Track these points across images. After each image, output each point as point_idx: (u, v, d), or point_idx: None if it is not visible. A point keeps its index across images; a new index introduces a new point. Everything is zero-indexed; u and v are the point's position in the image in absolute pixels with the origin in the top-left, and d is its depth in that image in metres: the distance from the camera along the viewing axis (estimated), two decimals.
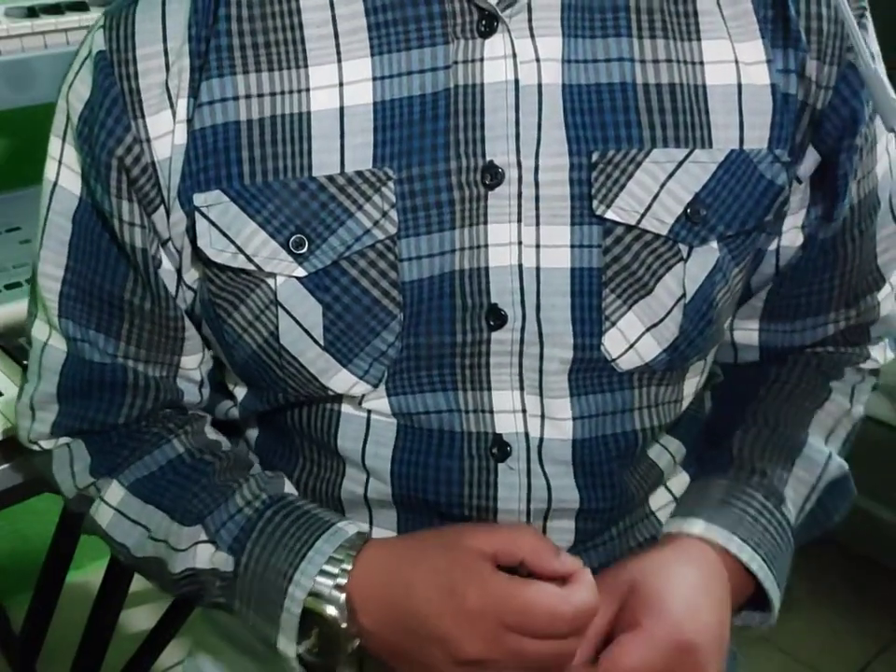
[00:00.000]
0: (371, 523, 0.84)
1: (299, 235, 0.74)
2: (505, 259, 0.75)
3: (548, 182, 0.74)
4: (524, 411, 0.79)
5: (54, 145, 0.80)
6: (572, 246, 0.75)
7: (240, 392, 0.86)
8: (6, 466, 1.06)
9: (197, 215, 0.74)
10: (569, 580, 0.72)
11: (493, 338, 0.77)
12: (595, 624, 0.74)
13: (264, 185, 0.74)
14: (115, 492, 0.85)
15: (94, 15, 1.31)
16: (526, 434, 0.79)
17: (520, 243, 0.75)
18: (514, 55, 0.73)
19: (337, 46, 0.74)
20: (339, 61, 0.74)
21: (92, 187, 0.77)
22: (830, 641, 1.95)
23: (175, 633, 1.50)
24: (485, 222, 0.75)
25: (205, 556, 0.81)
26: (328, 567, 0.75)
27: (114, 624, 1.56)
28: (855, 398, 0.93)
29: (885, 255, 0.89)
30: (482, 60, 0.73)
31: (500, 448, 0.79)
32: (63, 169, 0.80)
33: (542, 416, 0.79)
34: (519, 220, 0.74)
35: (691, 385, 0.84)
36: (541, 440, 0.79)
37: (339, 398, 0.80)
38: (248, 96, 0.74)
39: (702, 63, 0.76)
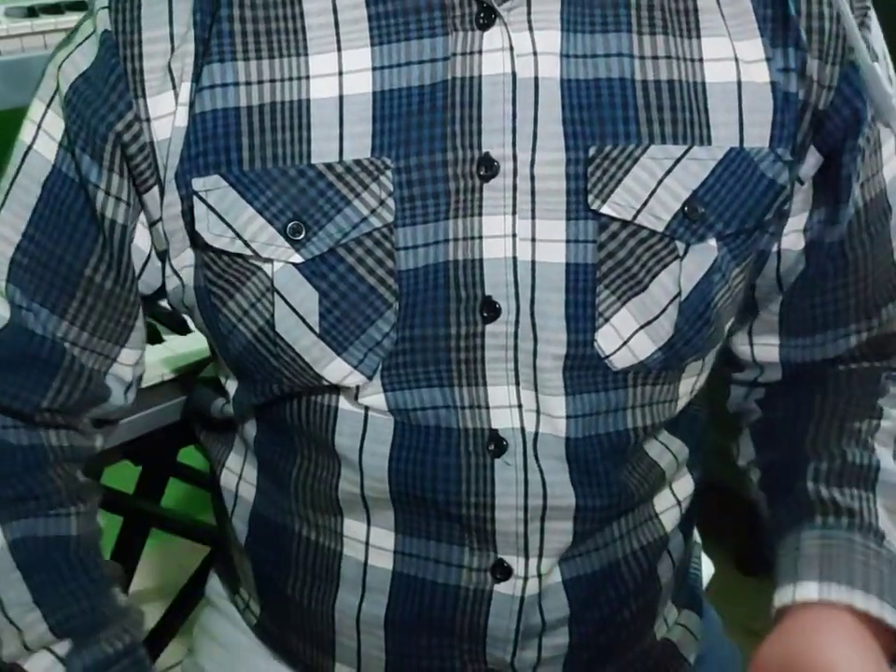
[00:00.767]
0: (368, 522, 0.84)
1: (296, 222, 0.74)
2: (500, 252, 0.75)
3: (544, 176, 0.74)
4: (519, 406, 0.78)
5: (36, 108, 0.80)
6: (567, 241, 0.75)
7: (232, 386, 0.86)
8: None
9: (195, 199, 0.75)
10: None
11: (487, 331, 0.77)
12: None
13: (263, 171, 0.74)
14: None
15: None
16: (522, 429, 0.79)
17: (514, 235, 0.75)
18: (511, 48, 0.73)
19: (337, 35, 0.74)
20: (339, 50, 0.74)
21: (77, 156, 0.77)
22: None
23: (175, 633, 1.49)
24: (480, 214, 0.75)
25: (44, 665, 0.82)
26: None
27: None
28: None
29: None
30: (480, 52, 0.73)
31: (497, 444, 0.79)
32: (42, 134, 0.79)
33: (538, 412, 0.79)
34: (514, 213, 0.74)
35: (687, 384, 0.84)
36: (537, 435, 0.79)
37: (335, 392, 0.79)
38: (248, 83, 0.74)
39: (701, 60, 0.76)
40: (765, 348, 0.90)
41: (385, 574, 0.83)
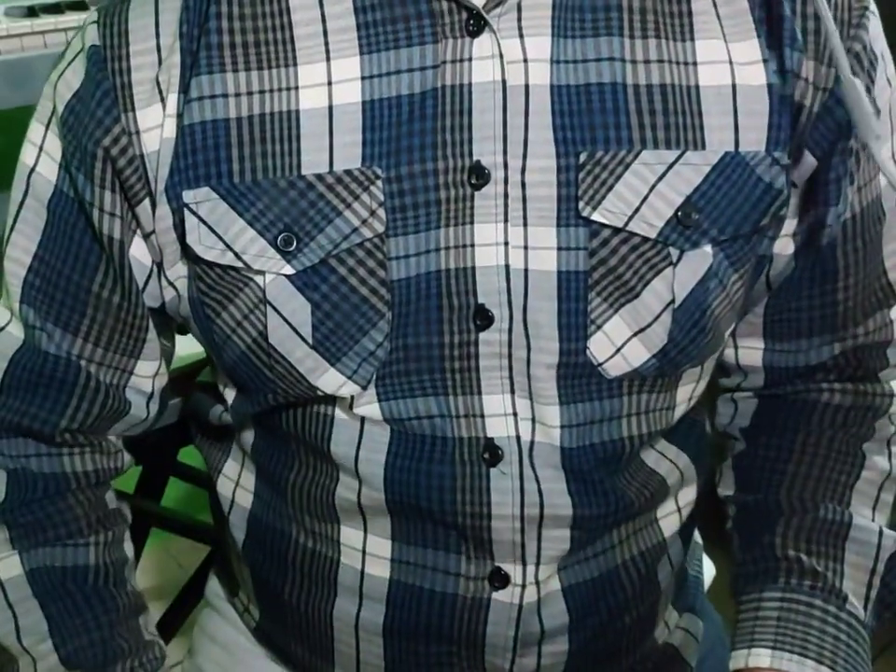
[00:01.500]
0: (365, 530, 0.84)
1: (287, 233, 0.74)
2: (492, 260, 0.75)
3: (535, 183, 0.74)
4: (514, 414, 0.78)
5: (36, 130, 0.80)
6: (559, 249, 0.74)
7: (230, 394, 0.86)
8: None
9: (186, 211, 0.74)
10: None
11: (480, 339, 0.76)
12: None
13: (253, 183, 0.74)
14: (11, 566, 0.84)
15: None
16: (518, 438, 0.78)
17: (507, 243, 0.74)
18: (501, 55, 0.72)
19: (326, 45, 0.74)
20: (328, 59, 0.74)
21: (74, 176, 0.77)
22: None
23: (175, 633, 1.49)
24: (472, 222, 0.74)
25: None
26: None
27: None
28: (893, 454, 0.88)
29: None
30: (470, 60, 0.73)
31: (492, 453, 0.79)
32: (43, 155, 0.79)
33: (533, 420, 0.78)
34: (506, 220, 0.74)
35: (685, 392, 0.83)
36: (532, 443, 0.79)
37: (331, 401, 0.79)
38: (238, 94, 0.74)
39: (695, 63, 0.75)
40: (750, 352, 0.89)
41: (383, 582, 0.84)
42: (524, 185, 0.74)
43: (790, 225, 0.81)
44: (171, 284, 0.80)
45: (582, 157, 0.73)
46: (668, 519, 0.89)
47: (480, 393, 0.78)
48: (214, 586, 1.04)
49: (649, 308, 0.76)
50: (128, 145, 0.75)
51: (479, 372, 0.77)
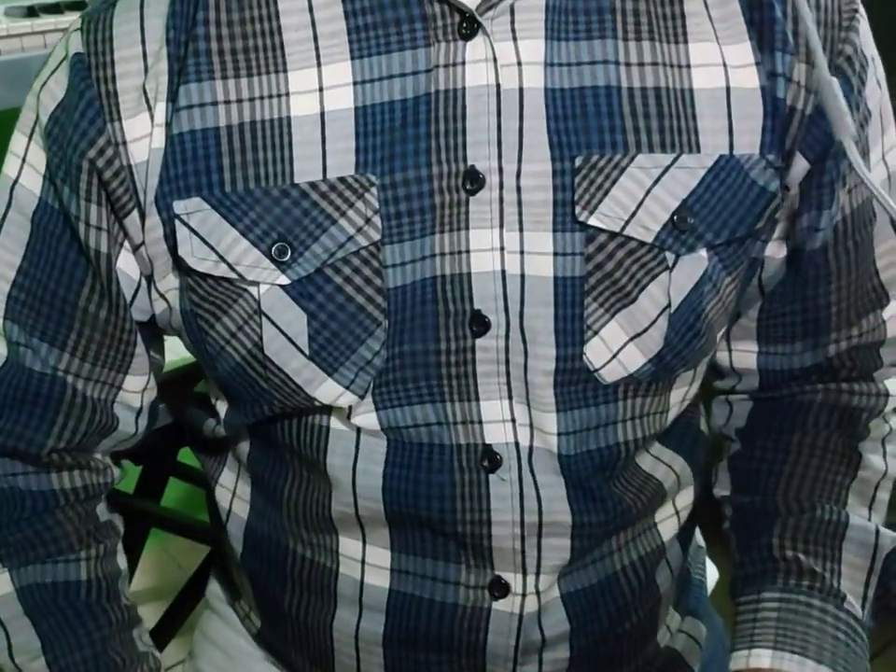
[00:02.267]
0: (364, 540, 0.83)
1: (281, 243, 0.73)
2: (487, 265, 0.74)
3: (530, 187, 0.73)
4: (513, 420, 0.78)
5: (18, 142, 0.79)
6: (555, 254, 0.74)
7: (222, 407, 0.85)
8: None
9: (177, 223, 0.73)
10: None
11: (477, 345, 0.76)
12: None
13: (245, 192, 0.73)
14: (1, 584, 0.83)
15: None
16: (516, 444, 0.78)
17: (502, 248, 0.74)
18: (495, 59, 0.72)
19: (317, 50, 0.73)
20: (318, 65, 0.73)
21: (59, 188, 0.76)
22: None
23: (175, 633, 1.49)
24: (467, 227, 0.73)
25: None
26: None
27: None
28: (889, 453, 0.87)
29: (889, 270, 0.85)
30: (463, 63, 0.72)
31: (491, 459, 0.78)
32: (26, 167, 0.78)
33: (531, 426, 0.78)
34: (501, 226, 0.73)
35: (678, 394, 0.83)
36: (531, 449, 0.78)
37: (327, 411, 0.79)
38: (227, 101, 0.73)
39: (689, 66, 0.74)
40: (744, 355, 0.89)
41: (382, 592, 0.83)
42: (519, 189, 0.73)
43: (782, 228, 0.81)
44: (162, 296, 0.79)
45: (578, 161, 0.73)
46: (666, 523, 0.88)
47: (477, 399, 0.77)
48: (215, 589, 1.04)
49: (645, 313, 0.75)
50: (114, 156, 0.74)
51: (476, 379, 0.77)
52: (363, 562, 0.83)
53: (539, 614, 0.82)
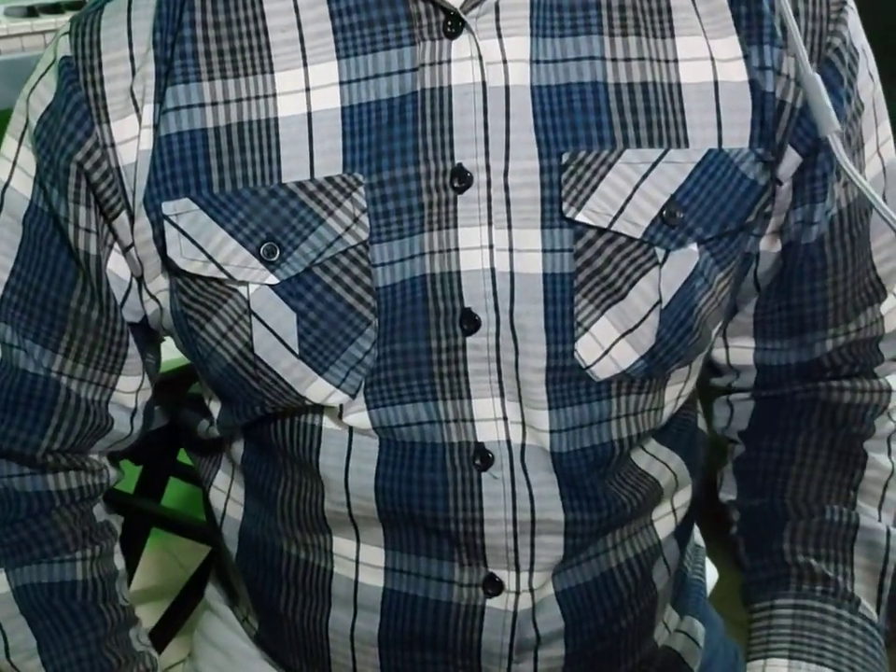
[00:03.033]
0: (357, 540, 0.83)
1: (270, 243, 0.73)
2: (477, 263, 0.74)
3: (518, 185, 0.73)
4: (504, 418, 0.77)
5: (9, 145, 0.79)
6: (544, 251, 0.73)
7: (215, 407, 0.85)
8: None
9: (166, 223, 0.73)
10: None
11: (468, 343, 0.76)
12: None
13: (234, 192, 0.73)
14: None
15: None
16: (508, 441, 0.78)
17: (491, 246, 0.73)
18: (480, 57, 0.72)
19: (303, 50, 0.73)
20: (305, 65, 0.73)
21: (48, 191, 0.76)
22: None
23: (175, 633, 1.50)
24: (455, 226, 0.73)
25: None
26: None
27: None
28: (894, 451, 0.87)
29: (886, 265, 0.84)
30: (449, 62, 0.72)
31: (483, 457, 0.78)
32: (17, 170, 0.78)
33: (523, 423, 0.78)
34: (489, 224, 0.73)
35: (673, 391, 0.82)
36: (523, 447, 0.78)
37: (318, 410, 0.79)
38: (214, 103, 0.73)
39: (676, 60, 0.74)
40: (741, 351, 0.88)
41: (376, 591, 0.83)
42: (507, 187, 0.73)
43: (776, 222, 0.80)
44: (153, 297, 0.79)
45: (565, 157, 0.72)
46: (663, 521, 0.88)
47: (469, 397, 0.77)
48: (214, 590, 1.04)
49: (636, 309, 0.75)
50: (102, 158, 0.74)
51: (468, 377, 0.77)
52: (357, 561, 0.83)
53: (534, 611, 0.82)
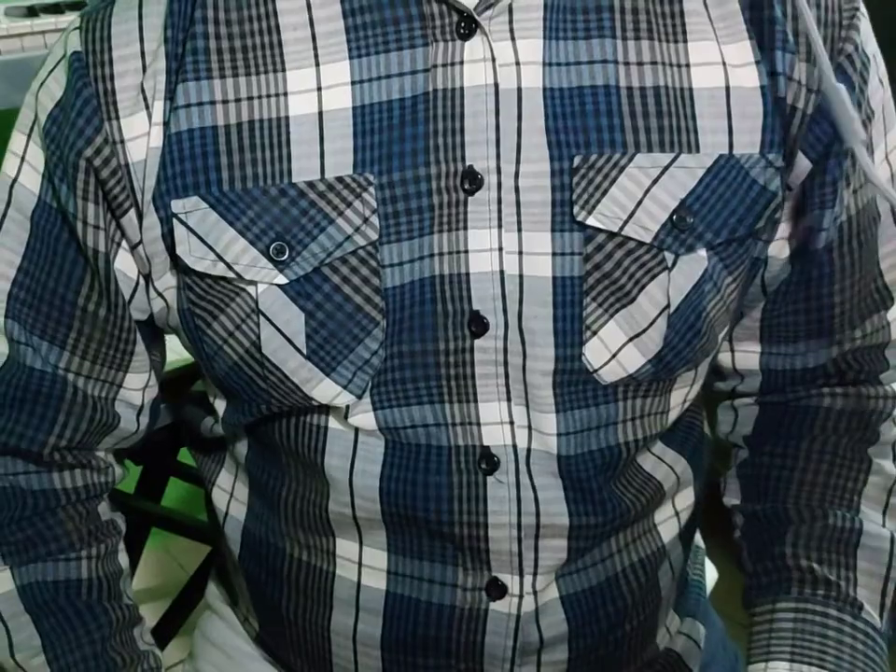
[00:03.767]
0: (360, 542, 0.83)
1: (279, 242, 0.73)
2: (486, 266, 0.74)
3: (529, 187, 0.73)
4: (511, 422, 0.77)
5: (17, 141, 0.79)
6: (553, 254, 0.73)
7: (220, 405, 0.85)
8: None
9: (175, 221, 0.73)
10: None
11: (476, 346, 0.75)
12: None
13: (243, 191, 0.73)
14: (2, 581, 0.83)
15: None
16: (514, 446, 0.77)
17: (501, 249, 0.73)
18: (493, 58, 0.71)
19: (315, 49, 0.73)
20: (317, 64, 0.72)
21: (57, 187, 0.76)
22: None
23: (176, 633, 1.50)
24: (465, 227, 0.73)
25: None
26: None
27: None
28: None
29: (893, 271, 0.84)
30: (461, 63, 0.72)
31: (488, 461, 0.78)
32: (25, 166, 0.78)
33: (529, 427, 0.77)
34: (500, 226, 0.73)
35: (679, 395, 0.82)
36: (529, 451, 0.78)
37: (324, 411, 0.78)
38: (225, 101, 0.73)
39: (688, 65, 0.74)
40: (746, 355, 0.88)
41: (379, 594, 0.83)
42: (517, 189, 0.73)
43: (785, 228, 0.80)
44: (160, 295, 0.79)
45: (576, 160, 0.72)
46: (667, 524, 0.88)
47: (476, 401, 0.77)
48: (215, 590, 1.04)
49: (644, 313, 0.75)
50: (111, 155, 0.74)
51: (475, 380, 0.76)
52: (360, 564, 0.83)
53: (537, 615, 0.82)
